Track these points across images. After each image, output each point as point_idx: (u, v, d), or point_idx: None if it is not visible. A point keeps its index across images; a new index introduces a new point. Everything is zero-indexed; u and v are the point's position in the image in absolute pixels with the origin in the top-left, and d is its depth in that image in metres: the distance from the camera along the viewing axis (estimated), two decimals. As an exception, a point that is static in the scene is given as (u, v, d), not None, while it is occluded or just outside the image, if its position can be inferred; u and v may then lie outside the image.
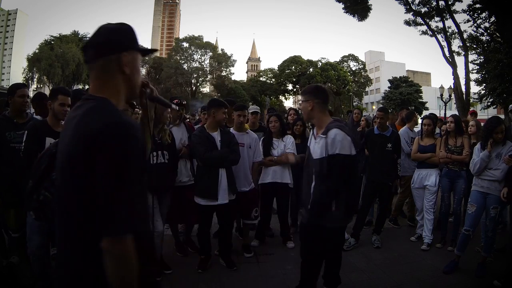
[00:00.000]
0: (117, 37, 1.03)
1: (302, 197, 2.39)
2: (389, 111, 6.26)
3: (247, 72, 72.70)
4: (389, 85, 39.18)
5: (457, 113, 10.83)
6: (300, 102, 2.24)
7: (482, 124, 4.47)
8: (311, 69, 41.93)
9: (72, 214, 0.92)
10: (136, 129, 0.93)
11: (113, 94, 1.02)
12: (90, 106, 0.96)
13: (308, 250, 2.30)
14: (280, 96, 45.36)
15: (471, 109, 13.62)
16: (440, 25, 16.23)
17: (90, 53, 1.02)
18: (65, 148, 0.94)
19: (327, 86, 39.81)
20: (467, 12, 14.92)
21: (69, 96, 2.48)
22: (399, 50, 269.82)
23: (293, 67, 42.42)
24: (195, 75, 42.39)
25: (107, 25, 1.04)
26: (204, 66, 43.73)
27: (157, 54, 75.50)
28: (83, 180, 0.88)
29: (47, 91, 34.73)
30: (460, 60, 16.01)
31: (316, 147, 2.15)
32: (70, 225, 0.93)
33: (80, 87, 33.65)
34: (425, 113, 18.34)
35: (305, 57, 43.77)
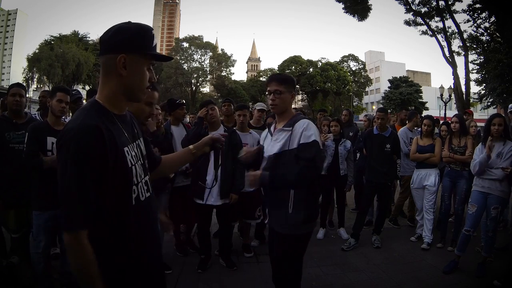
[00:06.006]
0: (120, 37, 1.01)
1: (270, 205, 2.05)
2: (389, 111, 6.17)
3: (247, 72, 72.69)
4: (389, 85, 39.13)
5: (457, 113, 10.78)
6: (276, 90, 1.85)
7: (474, 123, 4.51)
8: (311, 69, 41.93)
9: None
10: (89, 133, 0.93)
11: (109, 95, 1.05)
12: (80, 108, 1.07)
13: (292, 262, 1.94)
14: (280, 96, 45.26)
15: (468, 109, 13.66)
16: (440, 25, 16.26)
17: (100, 49, 1.06)
18: None
19: (327, 85, 39.85)
20: (467, 12, 14.94)
21: (68, 93, 2.48)
22: (399, 50, 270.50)
23: (293, 67, 42.39)
24: (195, 75, 42.35)
25: (122, 23, 1.04)
26: (204, 66, 43.70)
27: (157, 54, 75.03)
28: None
29: (47, 91, 34.49)
30: (460, 60, 16.06)
31: (275, 144, 1.87)
32: None
33: (80, 87, 33.59)
34: (425, 113, 18.34)
35: (305, 57, 43.86)
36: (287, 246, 1.88)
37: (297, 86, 40.36)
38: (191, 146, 1.45)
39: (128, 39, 1.01)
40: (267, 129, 2.09)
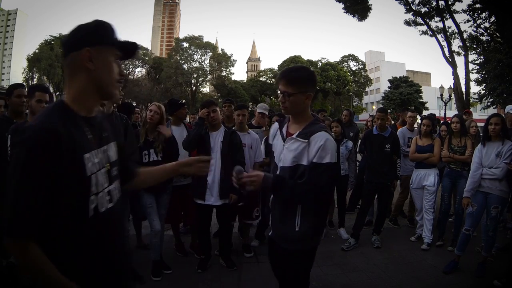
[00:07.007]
0: (81, 33, 0.98)
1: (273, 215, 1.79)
2: (389, 111, 6.16)
3: (247, 72, 72.68)
4: (389, 85, 39.15)
5: (457, 113, 10.81)
6: (285, 92, 1.59)
7: (474, 123, 4.51)
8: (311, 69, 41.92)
9: None
10: (43, 137, 0.86)
11: (76, 95, 0.99)
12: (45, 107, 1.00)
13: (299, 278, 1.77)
14: (280, 96, 45.34)
15: (466, 109, 13.70)
16: (440, 25, 16.26)
17: (63, 52, 1.02)
18: None
19: (327, 86, 39.86)
20: (467, 12, 14.94)
21: (47, 92, 2.45)
22: (399, 50, 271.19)
23: (293, 67, 42.31)
24: (195, 75, 42.33)
25: (80, 24, 1.00)
26: (204, 66, 43.68)
27: (157, 54, 75.64)
28: None
29: (47, 91, 34.49)
30: (460, 60, 16.06)
31: (287, 153, 1.62)
32: None
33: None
34: (425, 113, 18.35)
35: (305, 57, 43.89)
36: (294, 263, 1.70)
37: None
38: (174, 163, 1.37)
39: (90, 33, 0.98)
40: (277, 126, 1.82)
